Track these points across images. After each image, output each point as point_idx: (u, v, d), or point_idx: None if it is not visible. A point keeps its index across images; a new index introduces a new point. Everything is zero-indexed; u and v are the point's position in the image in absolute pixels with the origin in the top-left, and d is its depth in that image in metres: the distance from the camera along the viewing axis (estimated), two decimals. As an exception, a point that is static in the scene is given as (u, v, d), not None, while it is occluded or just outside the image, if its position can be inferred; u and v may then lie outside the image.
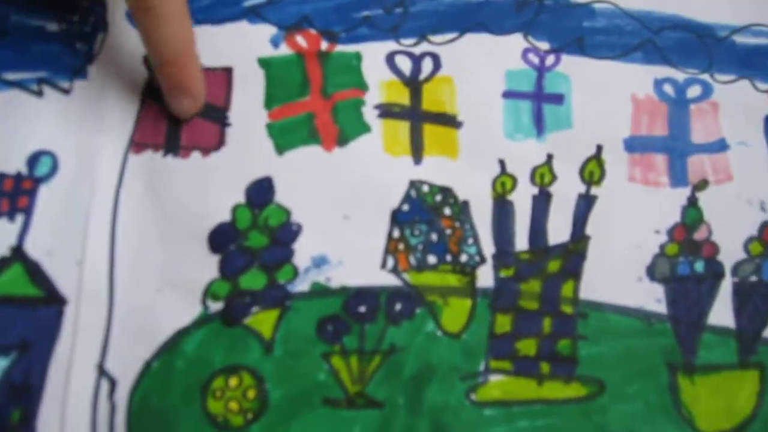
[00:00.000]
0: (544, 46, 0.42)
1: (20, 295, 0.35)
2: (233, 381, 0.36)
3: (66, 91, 0.38)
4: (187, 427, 0.36)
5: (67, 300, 0.35)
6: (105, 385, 0.35)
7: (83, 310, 0.36)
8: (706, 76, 0.44)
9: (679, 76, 0.44)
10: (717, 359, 0.40)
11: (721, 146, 0.43)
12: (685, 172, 0.42)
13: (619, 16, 0.43)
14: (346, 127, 0.39)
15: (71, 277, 0.36)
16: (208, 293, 0.37)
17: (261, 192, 0.38)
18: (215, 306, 0.36)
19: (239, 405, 0.36)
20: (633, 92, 0.43)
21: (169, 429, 0.36)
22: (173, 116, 0.38)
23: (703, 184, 0.42)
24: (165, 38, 0.36)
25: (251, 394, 0.36)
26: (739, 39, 0.45)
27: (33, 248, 0.36)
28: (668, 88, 0.43)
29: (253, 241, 0.37)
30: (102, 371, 0.35)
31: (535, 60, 0.42)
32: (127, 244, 0.37)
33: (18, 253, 0.36)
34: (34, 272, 0.36)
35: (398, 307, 0.38)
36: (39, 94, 0.38)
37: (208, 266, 0.37)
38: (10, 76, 0.38)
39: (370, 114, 0.40)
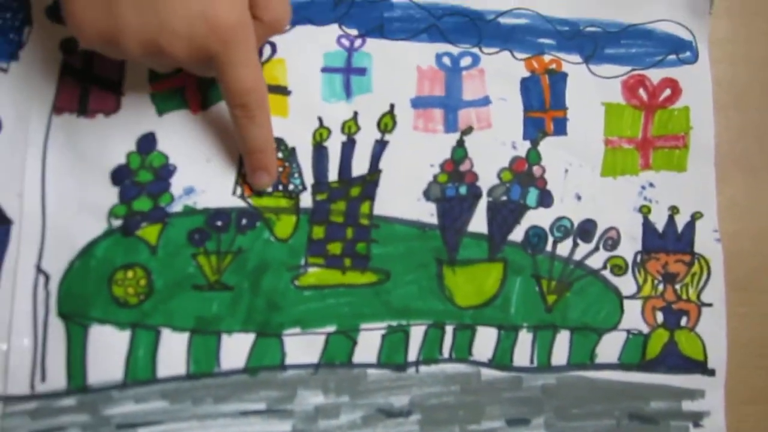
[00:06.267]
0: (353, 32, 0.49)
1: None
2: (129, 273, 0.45)
3: (4, 71, 0.44)
4: (99, 305, 0.44)
5: (12, 221, 0.44)
6: (42, 279, 0.43)
7: (24, 227, 0.44)
8: (476, 50, 0.51)
9: (455, 50, 0.51)
10: (472, 256, 0.50)
11: (485, 102, 0.51)
12: (456, 122, 0.50)
13: (412, 8, 0.50)
14: (208, 95, 0.47)
15: (15, 205, 0.44)
16: (111, 214, 0.45)
17: (147, 143, 0.46)
18: (116, 223, 0.45)
19: (134, 290, 0.45)
20: (418, 64, 0.50)
21: (87, 307, 0.44)
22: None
23: (468, 130, 0.51)
24: (259, 135, 0.44)
25: (142, 282, 0.45)
26: (503, 20, 0.52)
27: (-14, 185, 0.43)
28: (446, 60, 0.51)
29: (142, 177, 0.45)
30: (39, 269, 0.44)
31: (347, 43, 0.50)
32: (53, 180, 0.44)
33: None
34: (-12, 202, 0.44)
35: (244, 221, 0.47)
36: (-16, 73, 0.44)
37: (111, 195, 0.45)
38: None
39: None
